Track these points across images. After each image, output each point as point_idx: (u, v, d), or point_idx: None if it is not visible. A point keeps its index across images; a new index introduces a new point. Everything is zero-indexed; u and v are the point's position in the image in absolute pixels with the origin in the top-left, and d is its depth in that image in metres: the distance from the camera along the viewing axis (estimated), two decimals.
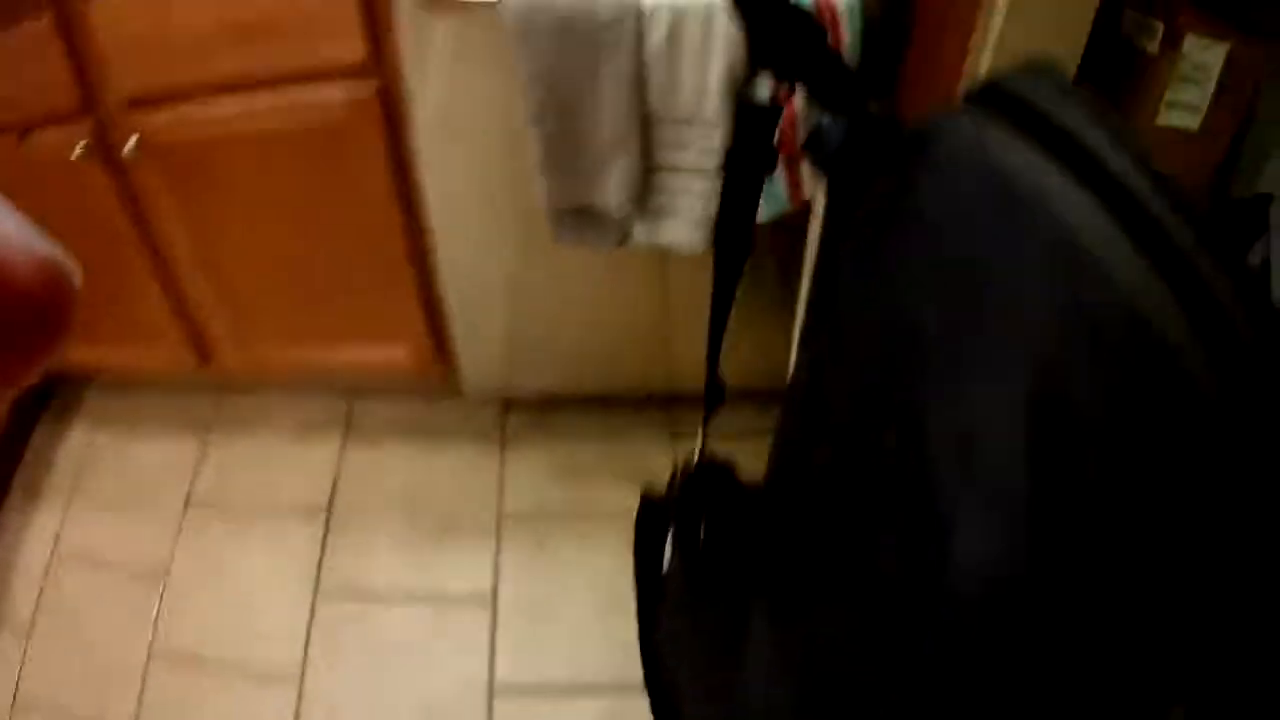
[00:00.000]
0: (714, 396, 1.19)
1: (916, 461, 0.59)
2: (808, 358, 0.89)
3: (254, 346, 2.06)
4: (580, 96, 1.43)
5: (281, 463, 2.22)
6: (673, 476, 1.17)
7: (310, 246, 1.82)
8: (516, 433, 2.24)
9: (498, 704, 1.87)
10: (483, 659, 1.93)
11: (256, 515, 2.14)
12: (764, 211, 1.56)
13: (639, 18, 1.33)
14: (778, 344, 1.89)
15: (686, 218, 1.58)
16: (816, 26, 0.76)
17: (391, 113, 1.60)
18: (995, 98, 0.58)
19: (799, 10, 0.76)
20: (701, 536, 1.10)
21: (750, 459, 1.03)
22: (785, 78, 0.82)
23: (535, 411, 2.26)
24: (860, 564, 0.67)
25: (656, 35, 1.35)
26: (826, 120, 0.80)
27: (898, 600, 0.61)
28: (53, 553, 2.08)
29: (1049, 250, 0.49)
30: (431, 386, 2.22)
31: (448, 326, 1.98)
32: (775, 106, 0.85)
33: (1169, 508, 0.44)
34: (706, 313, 1.62)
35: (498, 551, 2.07)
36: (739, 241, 0.96)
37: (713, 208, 1.54)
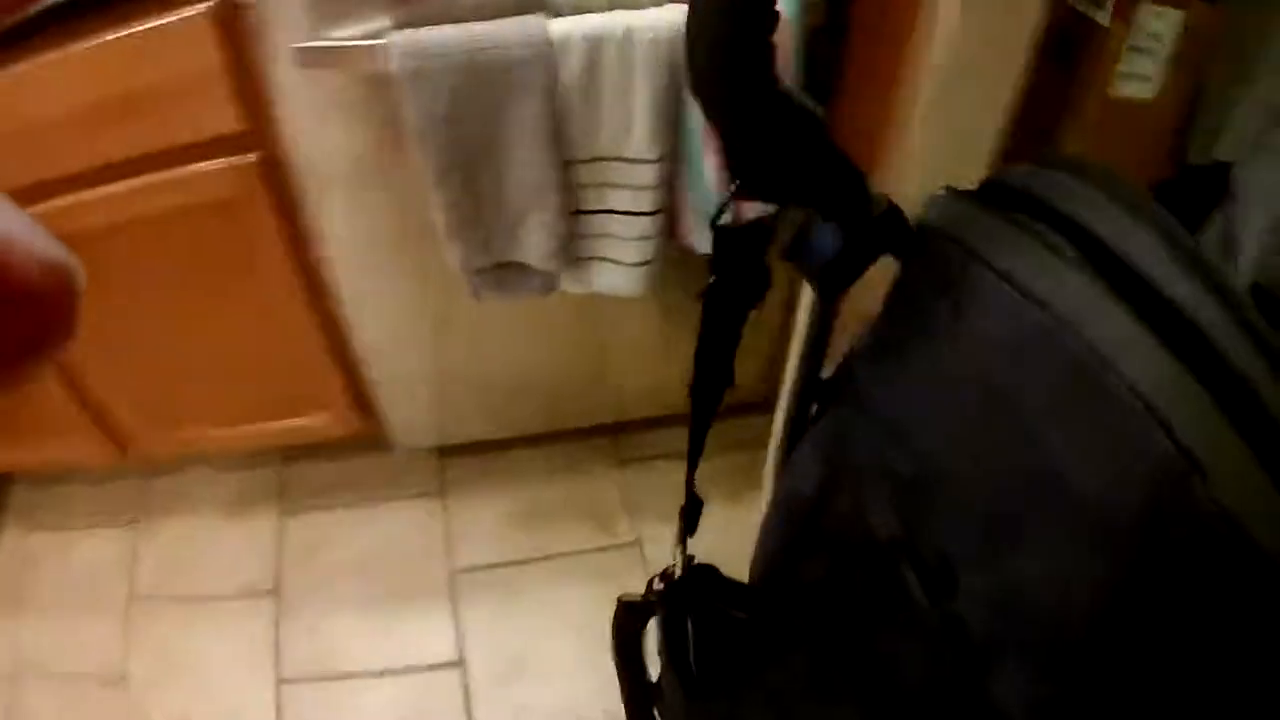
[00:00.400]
0: (693, 510, 1.09)
1: (942, 598, 0.59)
2: (810, 464, 0.86)
3: (171, 430, 1.84)
4: (488, 146, 1.20)
5: (221, 543, 1.99)
6: (650, 582, 1.08)
7: (214, 325, 1.62)
8: (457, 482, 2.04)
9: None
10: None
11: (204, 601, 1.92)
12: (706, 245, 1.41)
13: (549, 50, 1.12)
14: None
15: (622, 263, 1.38)
16: (819, 124, 0.60)
17: (280, 181, 1.38)
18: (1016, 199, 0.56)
19: (802, 109, 0.59)
20: (691, 641, 1.03)
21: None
22: (779, 198, 0.67)
23: (474, 457, 2.06)
24: (879, 671, 0.70)
25: (570, 68, 1.13)
26: (815, 225, 0.66)
27: (927, 708, 0.63)
28: (11, 668, 1.88)
29: (1119, 434, 0.47)
30: (362, 444, 2.01)
31: (369, 385, 1.79)
32: (762, 227, 0.70)
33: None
34: (642, 341, 1.51)
35: (455, 612, 1.88)
36: (720, 376, 0.85)
37: (650, 249, 1.38)
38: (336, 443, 1.94)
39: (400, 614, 1.89)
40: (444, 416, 1.91)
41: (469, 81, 1.14)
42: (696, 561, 1.08)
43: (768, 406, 2.13)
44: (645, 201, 1.30)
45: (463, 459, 2.07)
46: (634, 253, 1.36)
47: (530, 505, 2.02)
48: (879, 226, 0.64)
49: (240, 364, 1.72)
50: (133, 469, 2.07)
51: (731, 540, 1.95)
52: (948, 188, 0.67)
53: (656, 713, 1.16)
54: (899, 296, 0.69)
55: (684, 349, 1.78)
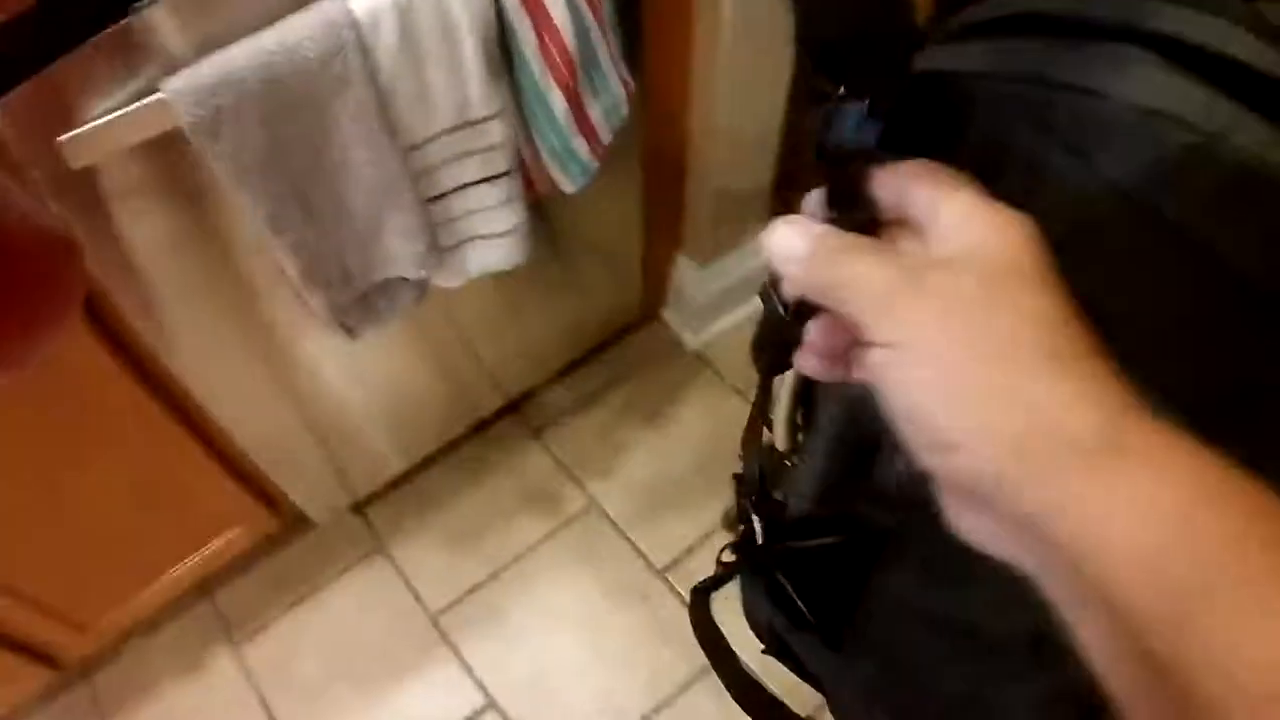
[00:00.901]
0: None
1: None
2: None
3: (91, 625, 1.56)
4: (319, 164, 1.00)
5: (193, 710, 1.73)
6: (719, 557, 0.95)
7: (90, 489, 1.36)
8: (390, 529, 1.83)
9: None
10: None
11: None
12: (573, 184, 1.25)
13: (358, 33, 0.92)
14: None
15: (495, 236, 1.21)
16: None
17: (100, 309, 1.14)
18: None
19: None
20: (795, 595, 0.90)
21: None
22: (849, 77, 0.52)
23: (392, 497, 1.86)
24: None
25: (386, 46, 0.93)
26: (851, 113, 0.52)
27: None
28: None
29: None
30: (281, 538, 1.78)
31: (264, 476, 1.55)
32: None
33: None
34: (498, 314, 1.60)
35: (458, 656, 1.71)
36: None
37: (518, 211, 1.21)
38: (257, 546, 1.70)
39: (408, 685, 1.70)
40: (346, 471, 1.69)
41: (277, 102, 0.93)
42: None
43: (646, 321, 2.02)
44: (499, 161, 1.13)
45: (383, 504, 1.86)
46: (503, 220, 1.20)
47: (472, 517, 1.84)
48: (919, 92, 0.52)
49: (133, 517, 1.46)
50: (72, 680, 1.75)
51: (675, 460, 1.86)
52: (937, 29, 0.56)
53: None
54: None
55: (535, 304, 1.67)
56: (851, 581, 0.87)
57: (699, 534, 1.79)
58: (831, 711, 1.04)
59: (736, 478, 0.99)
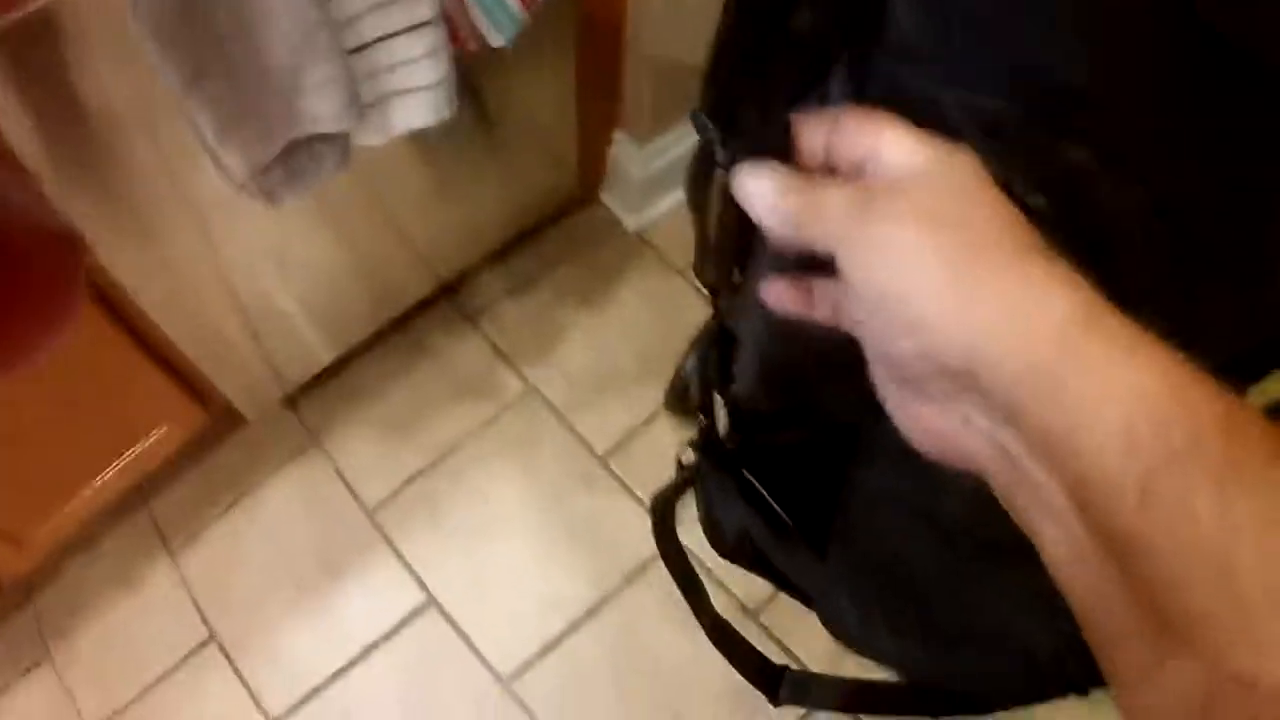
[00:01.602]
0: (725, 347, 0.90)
1: None
2: None
3: (27, 538, 1.50)
4: (236, 15, 0.92)
5: (137, 623, 1.66)
6: (678, 460, 0.99)
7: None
8: (323, 422, 1.78)
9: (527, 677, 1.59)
10: (473, 661, 1.61)
11: (157, 689, 1.62)
12: (501, 35, 1.19)
13: None
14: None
15: (419, 89, 1.13)
16: None
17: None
18: None
19: None
20: (770, 498, 0.90)
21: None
22: None
23: (324, 388, 1.80)
24: None
25: None
26: None
27: None
28: None
29: None
30: (213, 436, 1.72)
31: (192, 370, 1.49)
32: None
33: None
34: (426, 191, 1.54)
35: (396, 552, 1.68)
36: None
37: (444, 62, 1.15)
38: (188, 447, 1.64)
39: (347, 584, 1.67)
40: (276, 362, 1.62)
41: None
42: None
43: (584, 202, 1.97)
44: (424, 9, 1.06)
45: (315, 396, 1.81)
46: (429, 71, 1.13)
47: (406, 406, 1.80)
48: None
49: (58, 416, 1.40)
50: (17, 604, 1.70)
51: (615, 344, 1.83)
52: None
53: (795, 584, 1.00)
54: None
55: (467, 181, 1.60)
56: (825, 480, 0.85)
57: (641, 419, 1.76)
58: (823, 622, 1.02)
59: (698, 360, 0.96)
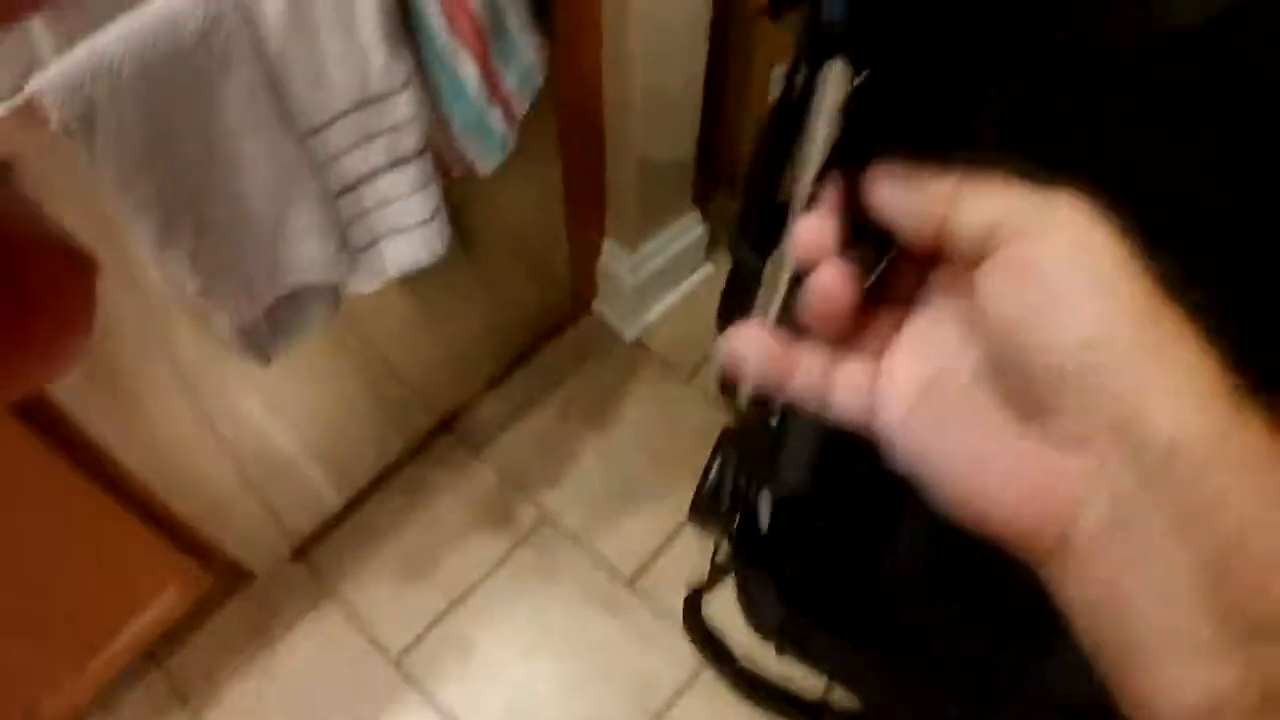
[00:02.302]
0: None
1: None
2: None
3: (38, 712, 1.44)
4: (209, 160, 0.89)
5: None
6: (712, 557, 0.99)
7: (20, 563, 1.26)
8: (335, 571, 1.72)
9: None
10: None
11: None
12: (489, 160, 1.17)
13: (239, 2, 0.82)
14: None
15: (412, 227, 1.11)
16: None
17: None
18: None
19: None
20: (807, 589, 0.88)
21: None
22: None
23: (333, 537, 1.74)
24: None
25: (272, 14, 0.83)
26: None
27: None
28: None
29: None
30: (221, 594, 1.66)
31: (195, 530, 1.44)
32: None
33: None
34: (416, 328, 1.53)
35: (427, 698, 1.60)
36: None
37: (435, 195, 1.13)
38: (198, 606, 1.58)
39: None
40: (280, 513, 1.58)
41: (157, 89, 0.83)
42: None
43: (578, 315, 1.94)
44: (409, 141, 1.04)
45: (325, 545, 1.74)
46: (418, 208, 1.11)
47: (420, 547, 1.73)
48: None
49: (60, 589, 1.36)
50: None
51: (626, 459, 1.78)
52: None
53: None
54: None
55: (457, 309, 1.57)
56: (860, 563, 0.82)
57: (663, 534, 1.71)
58: (863, 704, 0.99)
59: (731, 444, 0.94)
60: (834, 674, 1.00)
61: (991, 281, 0.33)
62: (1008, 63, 0.45)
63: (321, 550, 1.74)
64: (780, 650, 0.96)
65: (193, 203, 0.93)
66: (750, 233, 0.74)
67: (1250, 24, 0.42)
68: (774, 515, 0.89)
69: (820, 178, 0.41)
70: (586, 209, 1.66)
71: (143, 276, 1.03)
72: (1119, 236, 0.33)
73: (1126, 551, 0.30)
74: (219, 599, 1.68)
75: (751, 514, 0.90)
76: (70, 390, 1.10)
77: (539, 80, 1.16)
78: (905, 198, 0.36)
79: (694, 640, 1.06)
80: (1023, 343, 0.32)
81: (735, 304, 0.82)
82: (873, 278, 0.37)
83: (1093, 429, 0.31)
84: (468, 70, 1.02)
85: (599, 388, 1.87)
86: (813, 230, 0.38)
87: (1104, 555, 0.31)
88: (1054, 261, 0.32)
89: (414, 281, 1.41)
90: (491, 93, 1.07)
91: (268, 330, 1.12)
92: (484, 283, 1.59)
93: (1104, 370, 0.31)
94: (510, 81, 1.10)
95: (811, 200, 0.40)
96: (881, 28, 0.43)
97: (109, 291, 0.94)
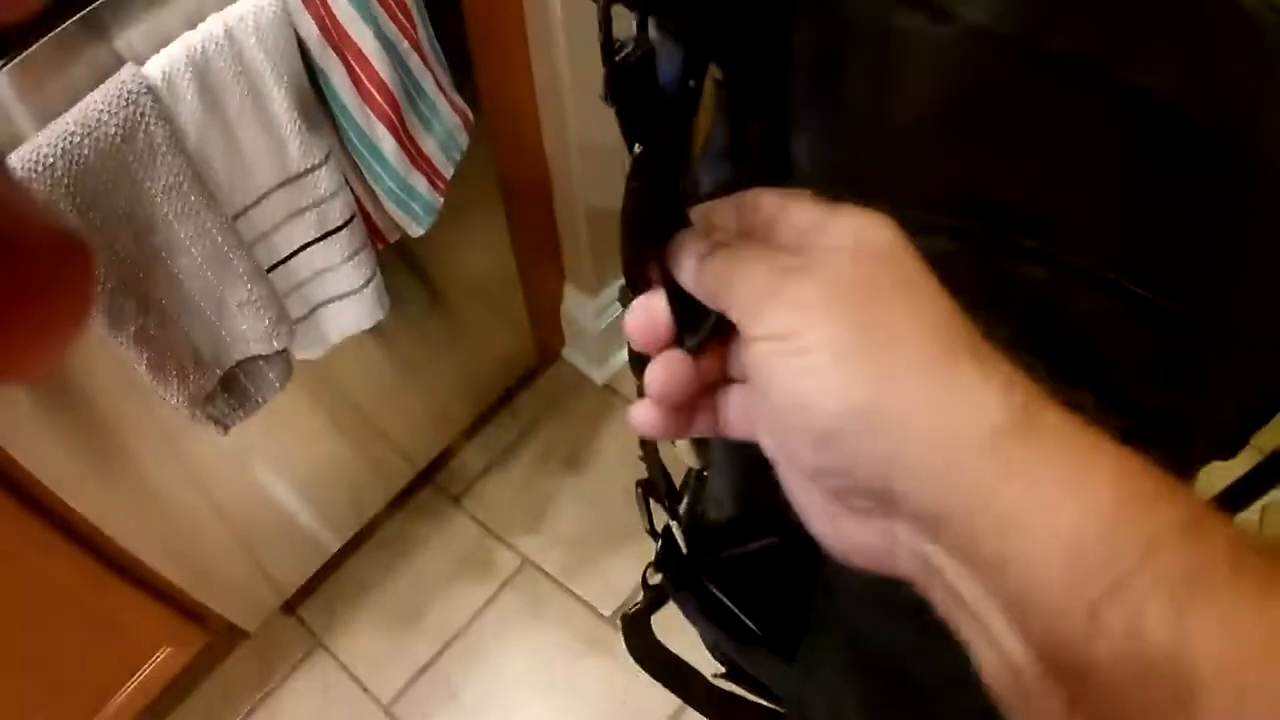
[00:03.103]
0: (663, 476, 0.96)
1: None
2: None
3: None
4: (142, 250, 1.00)
5: None
6: (644, 577, 0.96)
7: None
8: (324, 624, 1.80)
9: None
10: None
11: None
12: (419, 225, 1.25)
13: (155, 100, 0.92)
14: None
15: (348, 294, 1.21)
16: None
17: None
18: None
19: None
20: (735, 608, 0.90)
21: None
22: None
23: (321, 590, 1.83)
24: None
25: (187, 107, 0.94)
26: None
27: None
28: None
29: None
30: (214, 652, 1.74)
31: (184, 591, 1.52)
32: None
33: None
34: (387, 379, 1.58)
35: None
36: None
37: (368, 261, 1.22)
38: (193, 665, 1.66)
39: None
40: (267, 571, 1.66)
41: (88, 186, 0.93)
42: None
43: (547, 363, 2.03)
44: (335, 214, 1.14)
45: (314, 599, 1.83)
46: (352, 276, 1.20)
47: (406, 597, 1.82)
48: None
49: (53, 658, 1.44)
50: None
51: (603, 500, 1.86)
52: None
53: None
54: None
55: (426, 363, 1.67)
56: (796, 583, 0.88)
57: (642, 571, 1.78)
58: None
59: (642, 486, 0.99)
60: (772, 697, 1.05)
61: (750, 357, 0.36)
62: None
63: (312, 604, 1.83)
64: (724, 674, 1.02)
65: (134, 287, 1.02)
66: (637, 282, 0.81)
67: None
68: (689, 540, 0.96)
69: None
70: (540, 258, 1.74)
71: (104, 355, 1.12)
72: (902, 241, 0.36)
73: (940, 595, 0.34)
74: (217, 655, 1.76)
75: (670, 538, 0.97)
76: (49, 458, 1.19)
77: (463, 142, 1.24)
78: (697, 273, 0.40)
79: (641, 661, 1.11)
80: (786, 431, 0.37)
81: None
82: (703, 335, 0.42)
83: (865, 507, 0.35)
84: (385, 140, 1.11)
85: (573, 432, 1.96)
86: (639, 320, 0.42)
87: (933, 593, 0.34)
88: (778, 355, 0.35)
89: (382, 339, 1.51)
90: (413, 160, 1.16)
91: (225, 401, 1.21)
92: (451, 336, 1.68)
93: (858, 448, 0.33)
94: (431, 147, 1.19)
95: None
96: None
97: (75, 372, 1.05)
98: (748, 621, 0.92)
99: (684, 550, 0.95)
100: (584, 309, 1.85)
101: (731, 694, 1.15)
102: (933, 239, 0.57)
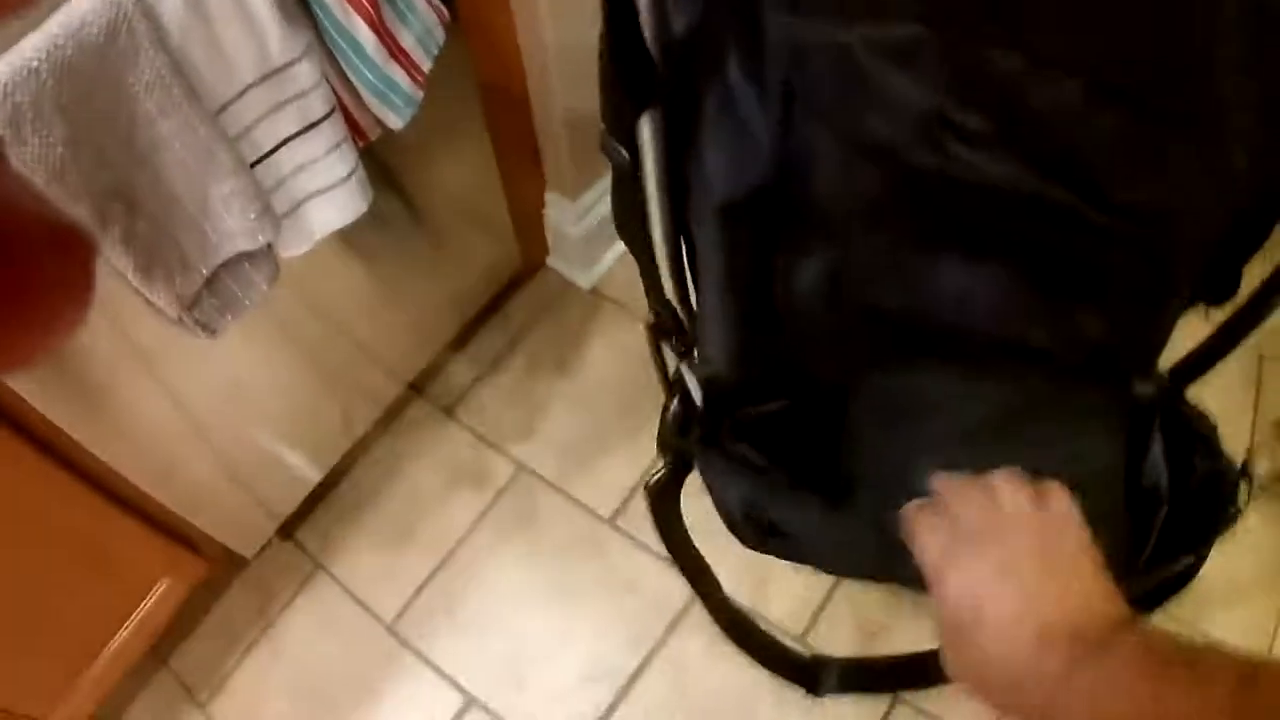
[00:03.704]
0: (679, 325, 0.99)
1: None
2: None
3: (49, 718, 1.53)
4: (129, 146, 1.01)
5: None
6: (666, 444, 1.04)
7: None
8: (323, 546, 1.84)
9: None
10: None
11: None
12: (399, 118, 1.27)
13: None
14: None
15: (331, 187, 1.22)
16: None
17: None
18: None
19: None
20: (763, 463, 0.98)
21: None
22: None
23: (317, 513, 1.87)
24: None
25: (169, 4, 0.96)
26: None
27: None
28: None
29: None
30: (216, 582, 1.78)
31: (183, 521, 1.54)
32: None
33: None
34: (371, 293, 1.60)
35: (427, 659, 1.73)
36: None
37: (350, 153, 1.24)
38: (194, 597, 1.69)
39: (384, 704, 1.71)
40: (261, 495, 1.69)
41: (74, 88, 0.94)
42: None
43: (533, 270, 2.05)
44: (316, 106, 1.15)
45: (310, 521, 1.87)
46: (334, 168, 1.21)
47: (402, 513, 1.85)
48: None
49: (55, 591, 1.45)
50: None
51: (595, 405, 1.89)
52: None
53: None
54: None
55: (410, 275, 1.68)
56: (822, 438, 0.92)
57: (638, 471, 1.82)
58: (835, 570, 1.09)
59: (651, 330, 1.02)
60: (804, 552, 1.08)
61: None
62: None
63: (308, 527, 1.86)
64: (746, 540, 1.06)
65: (120, 187, 1.04)
66: (618, 131, 0.83)
67: None
68: (706, 401, 0.99)
69: None
70: (521, 164, 1.76)
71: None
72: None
73: None
74: (216, 586, 1.80)
75: (687, 394, 1.00)
76: (34, 384, 1.20)
77: (440, 37, 1.25)
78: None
79: (668, 539, 1.13)
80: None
81: (623, 202, 0.91)
82: None
83: None
84: (364, 35, 1.12)
85: (561, 338, 1.98)
86: None
87: None
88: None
89: (365, 249, 1.53)
90: (391, 53, 1.17)
91: (213, 304, 1.23)
92: (433, 246, 1.70)
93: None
94: (410, 41, 1.20)
95: None
96: None
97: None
98: (777, 469, 0.96)
99: (700, 406, 0.98)
100: (566, 214, 1.86)
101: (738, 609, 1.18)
102: (903, 25, 0.61)
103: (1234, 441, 1.78)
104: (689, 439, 0.99)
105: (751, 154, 0.75)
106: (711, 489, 1.03)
